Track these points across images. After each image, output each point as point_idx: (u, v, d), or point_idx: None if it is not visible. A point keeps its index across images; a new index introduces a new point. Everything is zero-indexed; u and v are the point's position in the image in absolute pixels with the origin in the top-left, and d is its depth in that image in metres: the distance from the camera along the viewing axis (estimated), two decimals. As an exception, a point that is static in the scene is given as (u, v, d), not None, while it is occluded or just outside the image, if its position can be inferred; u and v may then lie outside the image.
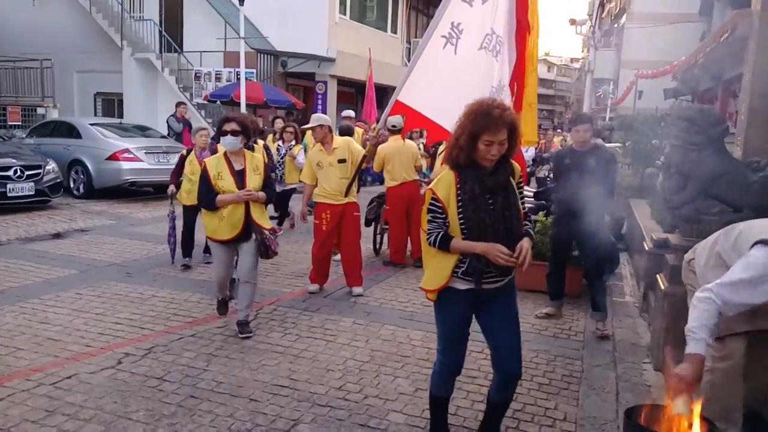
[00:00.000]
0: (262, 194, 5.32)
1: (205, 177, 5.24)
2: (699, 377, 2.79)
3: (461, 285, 3.33)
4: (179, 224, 7.79)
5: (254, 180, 5.29)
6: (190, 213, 7.70)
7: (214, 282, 5.77)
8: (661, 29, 24.50)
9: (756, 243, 2.97)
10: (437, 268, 3.35)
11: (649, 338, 5.58)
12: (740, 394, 3.39)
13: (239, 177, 5.24)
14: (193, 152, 7.76)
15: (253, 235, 5.29)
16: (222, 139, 5.27)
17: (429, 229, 3.30)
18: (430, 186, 3.37)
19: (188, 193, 7.57)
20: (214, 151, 7.32)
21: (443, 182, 3.30)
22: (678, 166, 5.53)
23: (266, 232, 5.30)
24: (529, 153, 14.14)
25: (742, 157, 6.02)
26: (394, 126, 8.05)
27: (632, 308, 6.64)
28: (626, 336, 5.76)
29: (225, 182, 5.19)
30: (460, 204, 3.23)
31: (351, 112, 15.64)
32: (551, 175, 11.37)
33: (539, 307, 6.45)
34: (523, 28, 5.13)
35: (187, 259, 7.77)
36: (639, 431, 2.90)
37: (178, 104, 15.86)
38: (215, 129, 5.44)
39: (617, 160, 6.63)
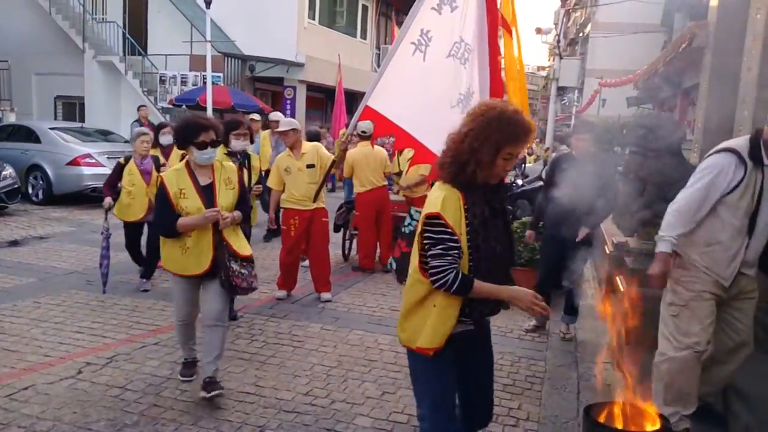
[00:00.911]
0: (236, 213, 4.28)
1: (163, 196, 4.15)
2: (666, 273, 3.67)
3: (456, 328, 2.72)
4: (114, 243, 6.73)
5: (227, 196, 4.27)
6: (132, 229, 6.97)
7: (177, 330, 4.60)
8: (624, 39, 24.96)
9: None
10: (442, 319, 2.67)
11: (609, 339, 5.67)
12: (695, 382, 3.74)
13: (207, 194, 4.21)
14: (132, 161, 6.73)
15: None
16: (198, 153, 4.16)
17: (439, 267, 2.58)
18: (436, 210, 2.60)
19: (128, 207, 6.72)
20: (157, 162, 6.82)
21: (451, 205, 2.60)
22: (637, 172, 5.65)
23: (234, 266, 4.22)
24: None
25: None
26: (364, 132, 8.07)
27: (594, 310, 6.74)
28: (588, 337, 5.86)
29: (189, 201, 4.14)
30: (469, 231, 2.63)
31: (278, 114, 13.60)
32: (518, 181, 11.51)
33: (516, 314, 6.49)
34: (493, 36, 5.18)
35: (144, 281, 6.91)
36: (597, 428, 2.98)
37: (139, 107, 15.64)
38: (176, 135, 4.39)
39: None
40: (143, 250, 7.11)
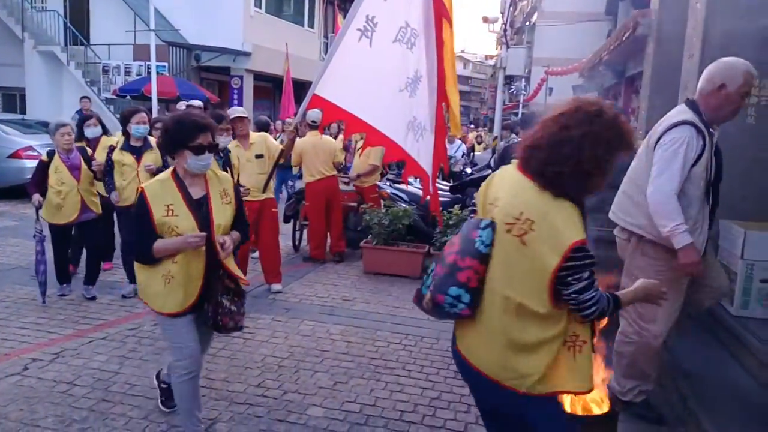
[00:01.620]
0: (235, 235, 3.57)
1: (143, 214, 3.30)
2: (699, 263, 3.52)
3: None
4: (48, 247, 6.10)
5: (224, 212, 3.48)
6: (60, 232, 6.17)
7: (179, 389, 3.55)
8: (570, 27, 25.38)
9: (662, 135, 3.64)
10: (588, 353, 2.35)
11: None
12: (656, 363, 3.93)
13: (201, 210, 3.40)
14: (56, 156, 6.02)
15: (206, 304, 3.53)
16: (194, 159, 3.33)
17: (593, 297, 2.21)
18: (582, 237, 2.18)
19: (57, 208, 6.03)
20: (84, 154, 6.17)
21: (580, 225, 2.22)
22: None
23: (225, 302, 3.51)
24: (461, 149, 14.30)
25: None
26: (314, 121, 8.04)
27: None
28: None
29: (180, 220, 3.32)
30: None
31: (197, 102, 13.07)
32: (467, 170, 11.63)
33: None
34: (439, 20, 5.22)
35: (64, 286, 6.30)
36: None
37: (82, 98, 15.24)
38: (167, 137, 3.43)
39: None
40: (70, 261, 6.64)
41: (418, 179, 7.03)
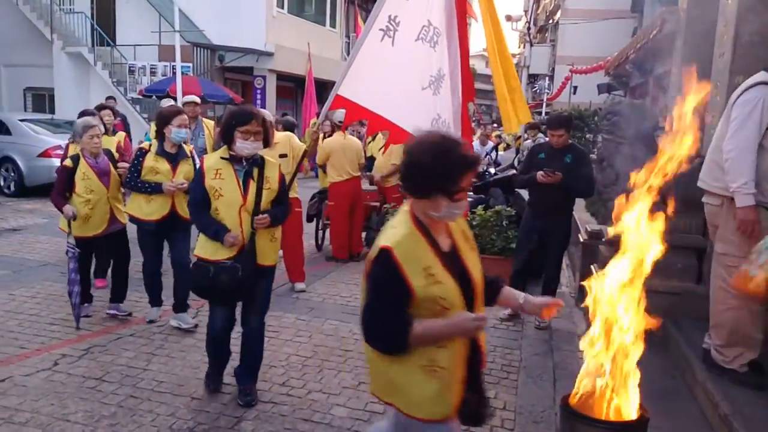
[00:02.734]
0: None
1: (396, 281, 2.25)
2: (756, 222, 3.70)
3: None
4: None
5: (474, 262, 2.50)
6: (86, 246, 5.54)
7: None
8: (594, 25, 25.18)
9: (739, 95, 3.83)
10: None
11: (585, 327, 5.76)
12: (760, 327, 3.95)
13: (455, 267, 2.40)
14: (82, 161, 5.41)
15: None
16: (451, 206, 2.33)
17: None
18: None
19: (85, 220, 5.41)
20: (112, 158, 5.61)
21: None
22: (610, 160, 5.73)
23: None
24: (486, 148, 14.32)
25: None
26: (340, 121, 8.07)
27: (568, 298, 6.83)
28: (563, 325, 5.93)
29: (443, 289, 2.30)
30: None
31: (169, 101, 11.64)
32: (491, 170, 11.57)
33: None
34: (462, 18, 5.23)
35: (86, 306, 5.66)
36: (574, 418, 2.98)
37: (107, 98, 15.40)
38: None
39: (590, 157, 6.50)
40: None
41: None
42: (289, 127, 9.05)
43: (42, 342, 5.06)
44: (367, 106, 4.96)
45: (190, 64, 18.22)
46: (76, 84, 19.66)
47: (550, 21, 37.71)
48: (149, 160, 5.23)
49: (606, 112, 6.06)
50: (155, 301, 5.65)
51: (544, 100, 31.46)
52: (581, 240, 6.66)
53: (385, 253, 2.27)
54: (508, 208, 7.53)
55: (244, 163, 3.96)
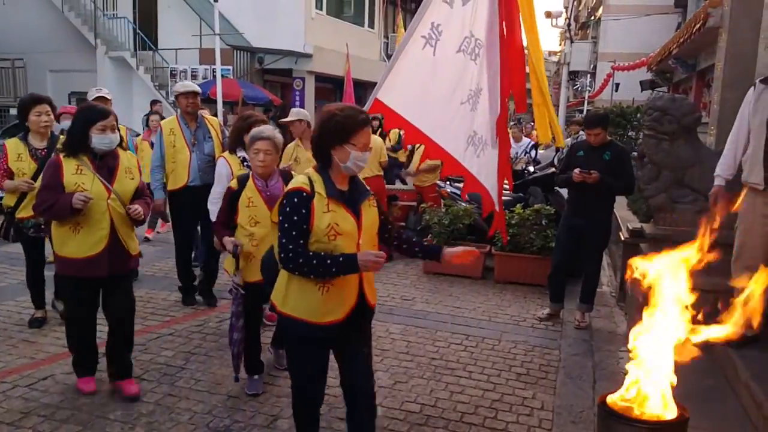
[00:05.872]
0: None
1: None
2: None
3: None
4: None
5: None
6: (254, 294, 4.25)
7: None
8: (637, 21, 24.72)
9: None
10: None
11: (625, 327, 5.64)
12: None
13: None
14: (251, 182, 4.28)
15: None
16: None
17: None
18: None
19: (249, 259, 4.22)
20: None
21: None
22: (651, 156, 5.60)
23: None
24: (524, 147, 14.12)
25: (714, 147, 6.09)
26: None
27: (609, 297, 6.71)
28: (603, 325, 5.82)
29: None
30: None
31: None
32: (530, 168, 11.44)
33: (517, 299, 6.49)
34: (510, 30, 5.06)
35: (256, 378, 4.45)
36: (613, 419, 2.91)
37: (153, 102, 15.67)
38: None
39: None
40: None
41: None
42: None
43: (84, 340, 5.14)
44: (405, 116, 4.86)
45: (230, 67, 18.43)
46: (119, 88, 20.02)
47: (592, 17, 37.17)
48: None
49: (647, 107, 5.91)
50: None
51: (586, 97, 31.04)
52: (622, 238, 6.52)
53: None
54: (548, 207, 7.43)
55: None
